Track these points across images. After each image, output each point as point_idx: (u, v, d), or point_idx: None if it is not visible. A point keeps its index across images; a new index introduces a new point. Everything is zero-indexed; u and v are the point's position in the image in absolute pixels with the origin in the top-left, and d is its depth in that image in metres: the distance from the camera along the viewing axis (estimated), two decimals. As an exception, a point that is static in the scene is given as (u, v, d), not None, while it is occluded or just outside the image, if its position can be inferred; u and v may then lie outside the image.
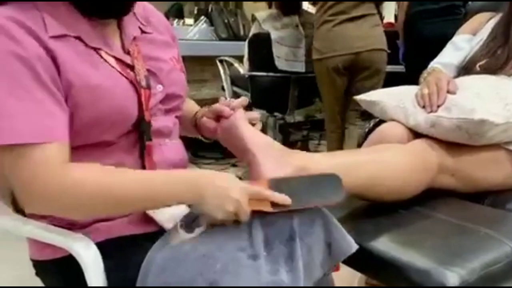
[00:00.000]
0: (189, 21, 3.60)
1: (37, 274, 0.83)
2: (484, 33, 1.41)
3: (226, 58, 2.82)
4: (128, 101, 0.75)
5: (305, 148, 3.32)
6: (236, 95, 2.73)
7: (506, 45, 1.33)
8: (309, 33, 2.51)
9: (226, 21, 3.42)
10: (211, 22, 3.45)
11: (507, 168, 1.12)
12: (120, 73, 0.75)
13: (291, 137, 3.30)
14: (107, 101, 0.72)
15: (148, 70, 0.80)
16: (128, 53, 0.79)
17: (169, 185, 0.70)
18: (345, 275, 1.33)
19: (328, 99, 2.39)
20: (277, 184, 0.74)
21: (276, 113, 2.88)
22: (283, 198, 0.72)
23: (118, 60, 0.76)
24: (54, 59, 0.68)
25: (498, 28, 1.37)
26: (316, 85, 2.58)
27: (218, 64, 2.89)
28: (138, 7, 0.86)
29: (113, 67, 0.75)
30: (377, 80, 2.29)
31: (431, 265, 0.76)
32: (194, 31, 3.47)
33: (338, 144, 2.44)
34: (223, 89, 2.94)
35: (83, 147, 0.73)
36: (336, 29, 2.23)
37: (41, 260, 0.80)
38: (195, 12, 3.71)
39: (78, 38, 0.72)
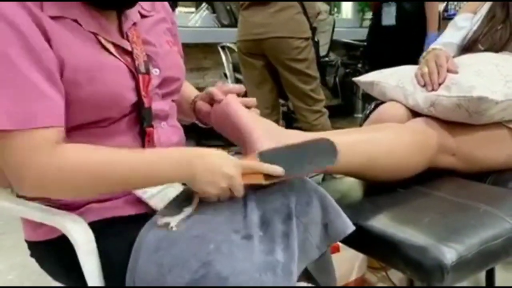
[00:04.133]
0: (190, 9, 3.58)
1: (31, 255, 0.83)
2: (484, 11, 1.39)
3: (228, 44, 2.80)
4: (124, 87, 0.74)
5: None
6: (239, 82, 2.72)
7: (506, 21, 1.30)
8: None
9: (228, 7, 3.39)
10: (213, 9, 3.43)
11: (509, 147, 1.10)
12: (118, 58, 0.74)
13: (294, 123, 3.29)
14: (102, 85, 0.71)
15: (146, 55, 0.79)
16: (126, 38, 0.78)
17: (161, 165, 0.69)
18: (346, 256, 1.33)
19: (250, 84, 2.29)
20: (267, 156, 0.73)
21: (280, 100, 2.87)
22: (274, 169, 0.71)
23: (116, 45, 0.75)
24: (48, 39, 0.67)
25: (497, 5, 1.34)
26: (321, 70, 2.56)
27: (220, 50, 2.87)
28: None
29: (110, 52, 0.74)
30: (297, 71, 2.15)
31: (429, 241, 0.75)
32: (195, 19, 3.45)
33: None
34: (226, 76, 2.92)
35: (80, 127, 0.72)
36: (242, 13, 2.18)
37: (35, 241, 0.80)
38: (197, -1, 3.69)
39: (75, 21, 0.71)
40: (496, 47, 1.29)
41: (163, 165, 0.69)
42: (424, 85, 1.12)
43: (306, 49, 2.14)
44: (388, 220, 0.86)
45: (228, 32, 3.25)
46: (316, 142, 0.77)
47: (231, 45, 2.76)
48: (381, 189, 0.97)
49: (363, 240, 0.86)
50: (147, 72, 0.77)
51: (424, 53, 1.34)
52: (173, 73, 0.84)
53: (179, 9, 3.46)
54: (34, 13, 0.66)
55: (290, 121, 3.19)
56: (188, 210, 0.72)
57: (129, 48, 0.77)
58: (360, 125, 1.45)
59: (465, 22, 1.43)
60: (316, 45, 2.31)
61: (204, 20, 3.41)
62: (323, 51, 2.98)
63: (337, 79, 3.57)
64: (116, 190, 0.73)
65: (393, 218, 0.86)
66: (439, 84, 1.08)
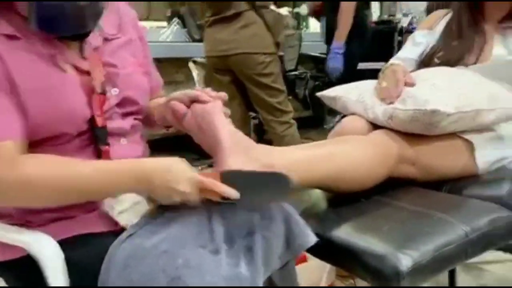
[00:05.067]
0: (162, 23, 3.60)
1: (1, 275, 0.83)
2: (440, 27, 1.47)
3: (199, 59, 2.82)
4: (78, 105, 0.77)
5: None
6: (209, 96, 2.75)
7: (460, 38, 1.38)
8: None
9: (198, 22, 3.43)
10: (183, 24, 3.46)
11: (464, 156, 1.17)
12: (74, 77, 0.76)
13: (265, 136, 3.33)
14: (55, 102, 0.73)
15: (105, 76, 0.81)
16: (85, 59, 0.80)
17: (120, 178, 0.71)
18: (315, 265, 1.37)
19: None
20: (229, 178, 0.75)
21: (250, 113, 2.91)
22: (230, 193, 0.72)
23: (74, 66, 0.77)
24: (2, 58, 0.69)
25: (452, 22, 1.42)
26: (290, 83, 2.61)
27: (191, 65, 2.90)
28: (112, 10, 0.86)
29: (65, 71, 0.76)
30: (264, 86, 2.19)
31: (387, 249, 0.79)
32: (167, 33, 3.47)
33: None
34: (197, 90, 2.94)
35: (37, 144, 0.74)
36: (207, 30, 2.23)
37: (3, 260, 0.80)
38: (168, 14, 3.71)
39: (31, 42, 0.73)
40: (452, 62, 1.36)
41: (122, 178, 0.71)
42: (383, 99, 1.18)
43: (271, 63, 2.18)
44: (350, 230, 0.90)
45: (199, 47, 3.27)
46: (275, 175, 0.78)
47: (202, 60, 2.79)
48: (345, 199, 1.02)
49: (327, 250, 0.89)
50: (103, 92, 0.79)
51: (383, 68, 1.41)
52: (133, 94, 0.86)
53: (150, 24, 3.48)
54: None
55: (261, 133, 3.23)
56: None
57: (88, 69, 0.79)
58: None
59: (423, 38, 1.50)
60: (281, 59, 2.35)
61: (176, 35, 3.44)
62: (291, 65, 3.04)
63: (306, 91, 3.64)
64: (75, 201, 0.75)
65: (355, 228, 0.90)
66: (396, 98, 1.14)
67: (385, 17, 4.07)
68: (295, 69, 3.12)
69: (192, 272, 0.67)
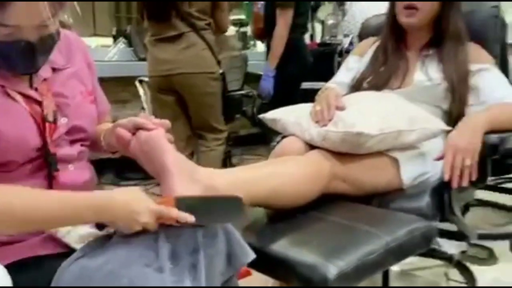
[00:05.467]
0: (108, 41, 3.61)
1: None
2: (369, 54, 1.61)
3: (145, 79, 2.86)
4: (28, 133, 0.80)
5: (228, 163, 3.43)
6: (157, 115, 2.79)
7: (386, 64, 1.53)
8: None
9: (145, 41, 3.46)
10: (129, 43, 3.48)
11: (390, 172, 1.29)
12: (24, 107, 0.80)
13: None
14: (5, 130, 0.77)
15: (56, 106, 0.85)
16: (36, 91, 0.83)
17: (82, 211, 0.75)
18: (259, 278, 1.44)
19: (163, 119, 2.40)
20: (183, 203, 0.81)
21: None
22: (187, 218, 0.79)
23: (25, 96, 0.81)
24: None
25: (379, 50, 1.57)
26: (237, 102, 2.70)
27: (138, 85, 2.92)
28: (60, 40, 0.88)
29: (17, 101, 0.79)
30: (203, 104, 2.28)
31: (317, 260, 0.88)
32: (113, 52, 3.48)
33: None
34: (144, 109, 2.97)
35: None
36: (151, 50, 2.30)
37: None
38: (114, 33, 3.72)
39: None
40: (379, 86, 1.50)
41: (85, 211, 0.75)
42: (317, 122, 1.28)
43: (213, 83, 2.27)
44: (286, 243, 0.98)
45: (145, 66, 3.32)
46: (228, 198, 0.86)
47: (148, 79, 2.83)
48: (283, 216, 1.10)
49: (266, 263, 0.97)
50: (54, 121, 0.83)
51: (319, 91, 1.52)
52: (82, 123, 0.91)
53: (97, 43, 3.48)
54: None
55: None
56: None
57: (39, 99, 0.83)
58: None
59: (354, 64, 1.64)
60: (223, 78, 2.43)
61: (122, 54, 3.45)
62: (237, 85, 3.14)
63: (254, 109, 3.75)
64: (34, 231, 0.78)
65: (290, 241, 0.99)
66: (329, 121, 1.25)
67: (327, 38, 4.28)
68: (242, 89, 3.22)
69: (137, 285, 0.72)
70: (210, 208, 0.84)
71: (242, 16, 4.88)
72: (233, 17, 4.53)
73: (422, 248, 1.08)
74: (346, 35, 4.79)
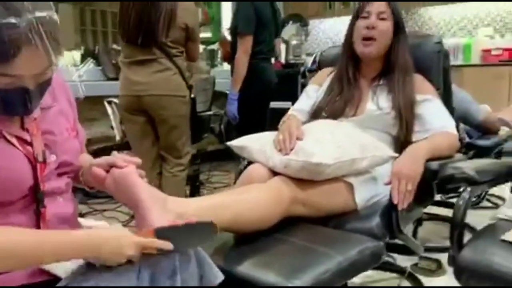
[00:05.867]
0: (73, 55, 3.64)
1: None
2: (327, 83, 1.76)
3: (115, 100, 2.92)
4: (23, 174, 0.88)
5: (197, 180, 3.51)
6: (125, 135, 2.85)
7: (341, 94, 1.68)
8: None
9: (114, 61, 3.52)
10: (98, 63, 3.53)
11: (345, 195, 1.42)
12: (19, 149, 0.88)
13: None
14: (3, 173, 0.84)
15: (44, 143, 0.93)
16: (26, 130, 0.92)
17: (73, 250, 0.84)
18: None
19: (132, 139, 2.50)
20: (162, 233, 0.90)
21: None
22: (167, 246, 0.88)
23: (18, 137, 0.89)
24: None
25: (335, 81, 1.71)
26: (205, 122, 2.79)
27: (106, 105, 2.98)
28: None
29: (12, 144, 0.87)
30: (171, 125, 2.36)
31: (277, 279, 1.00)
32: (82, 71, 3.51)
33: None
34: (112, 128, 3.02)
35: None
36: (124, 71, 2.39)
37: None
38: (82, 52, 3.76)
39: None
40: (335, 115, 1.64)
41: (76, 250, 0.84)
42: (280, 150, 1.41)
43: (182, 106, 2.37)
44: (251, 265, 1.09)
45: (114, 85, 3.37)
46: (200, 225, 0.96)
47: (117, 100, 2.89)
48: (248, 239, 1.21)
49: (233, 284, 1.07)
50: (44, 160, 0.92)
51: (282, 120, 1.65)
52: (68, 157, 0.99)
53: (65, 62, 3.49)
54: None
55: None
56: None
57: (30, 140, 0.91)
58: (238, 175, 1.69)
59: (314, 93, 1.78)
60: (193, 102, 2.53)
61: (90, 74, 3.49)
62: (205, 106, 3.25)
63: (221, 126, 3.87)
64: (27, 267, 0.86)
65: (255, 263, 1.10)
66: (290, 150, 1.38)
67: (291, 57, 4.46)
68: (209, 109, 3.33)
69: None
70: (185, 235, 0.94)
71: (209, 35, 5.00)
72: (200, 35, 4.64)
73: (371, 265, 1.21)
74: (309, 54, 5.00)
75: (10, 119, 0.90)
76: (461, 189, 1.33)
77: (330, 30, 5.28)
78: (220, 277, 0.97)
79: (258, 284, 1.02)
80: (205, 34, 4.91)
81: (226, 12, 4.97)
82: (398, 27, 1.65)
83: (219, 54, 4.63)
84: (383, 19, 1.63)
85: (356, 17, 1.69)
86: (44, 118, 0.96)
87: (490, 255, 1.11)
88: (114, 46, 3.89)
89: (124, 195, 0.99)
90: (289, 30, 4.69)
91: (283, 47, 4.46)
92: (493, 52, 3.99)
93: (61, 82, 1.07)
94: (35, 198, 0.91)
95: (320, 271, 1.04)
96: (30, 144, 0.91)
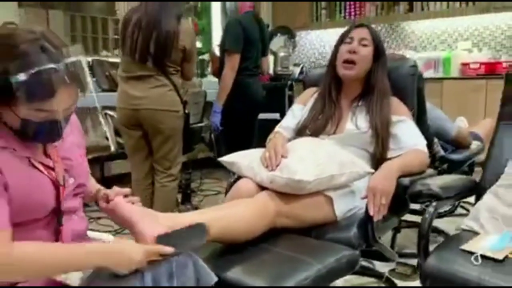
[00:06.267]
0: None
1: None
2: (311, 103, 1.91)
3: (110, 112, 3.03)
4: (49, 196, 1.02)
5: (188, 188, 3.63)
6: (120, 145, 2.97)
7: (323, 112, 1.82)
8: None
9: (107, 73, 3.64)
10: (93, 74, 3.64)
11: (326, 208, 1.57)
12: (45, 174, 1.01)
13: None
14: (33, 196, 0.98)
15: (64, 168, 1.07)
16: (48, 156, 1.05)
17: (93, 259, 0.99)
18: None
19: (128, 150, 2.62)
20: (163, 240, 1.07)
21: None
22: (168, 250, 1.05)
23: (42, 163, 1.02)
24: None
25: (318, 100, 1.86)
26: (197, 134, 2.91)
27: (101, 117, 3.09)
28: None
29: (39, 170, 1.00)
30: (165, 138, 2.47)
31: (264, 284, 1.14)
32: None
33: (147, 203, 2.53)
34: (107, 139, 3.14)
35: (14, 225, 0.96)
36: (122, 86, 2.51)
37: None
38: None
39: (14, 150, 0.97)
40: (317, 132, 1.79)
41: (96, 260, 0.99)
42: (266, 167, 1.55)
43: (176, 120, 2.49)
44: (240, 271, 1.23)
45: (108, 96, 3.48)
46: (194, 227, 1.14)
47: (112, 113, 3.01)
48: (237, 248, 1.35)
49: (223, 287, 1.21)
50: (64, 183, 1.05)
51: (268, 138, 1.80)
52: (82, 180, 1.13)
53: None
54: None
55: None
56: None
57: (52, 165, 1.04)
58: (228, 187, 1.82)
59: (299, 112, 1.93)
60: (187, 116, 2.65)
61: (84, 84, 3.59)
62: (198, 118, 3.39)
63: (212, 135, 4.00)
64: (56, 275, 0.99)
65: (243, 270, 1.24)
66: (276, 167, 1.52)
67: (279, 69, 4.61)
68: (201, 121, 3.47)
69: None
70: (183, 238, 1.10)
71: (199, 45, 5.13)
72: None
73: (347, 272, 1.36)
74: (296, 64, 5.17)
75: (35, 147, 1.03)
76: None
77: (316, 41, 5.45)
78: (214, 278, 1.11)
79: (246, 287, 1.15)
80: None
81: (216, 24, 5.11)
82: (378, 53, 1.80)
83: (209, 65, 4.77)
84: (364, 45, 1.78)
85: (340, 42, 1.84)
86: (62, 146, 1.09)
87: (451, 263, 1.26)
88: (108, 58, 3.99)
89: (120, 220, 1.19)
90: (278, 42, 4.86)
91: (271, 58, 4.62)
92: (471, 66, 4.18)
93: (75, 119, 1.20)
94: (56, 216, 1.04)
95: (301, 278, 1.18)
96: (52, 168, 1.04)
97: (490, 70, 4.04)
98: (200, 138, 3.52)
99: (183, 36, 2.39)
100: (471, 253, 1.27)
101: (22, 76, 0.89)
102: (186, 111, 2.59)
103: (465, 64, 4.22)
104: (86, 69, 0.99)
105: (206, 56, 5.07)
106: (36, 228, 1.01)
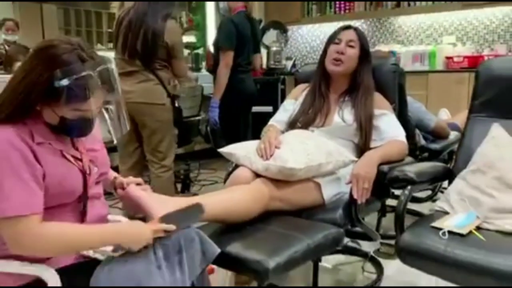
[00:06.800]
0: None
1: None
2: (302, 97, 2.09)
3: (110, 107, 3.18)
4: (78, 183, 1.19)
5: (187, 178, 3.82)
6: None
7: (313, 106, 2.01)
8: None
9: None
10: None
11: (314, 193, 1.76)
12: (74, 164, 1.19)
13: (175, 169, 3.77)
14: (65, 184, 1.15)
15: (90, 159, 1.24)
16: (76, 149, 1.22)
17: (111, 237, 1.16)
18: (219, 276, 1.87)
19: (119, 144, 2.72)
20: (165, 219, 1.24)
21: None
22: (171, 227, 1.22)
23: (72, 156, 1.19)
24: (37, 158, 1.10)
25: (308, 95, 2.05)
26: (195, 126, 3.07)
27: (104, 111, 3.24)
28: None
29: (69, 161, 1.18)
30: (152, 130, 2.59)
31: (261, 257, 1.32)
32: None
33: None
34: (109, 132, 3.29)
35: (45, 209, 1.14)
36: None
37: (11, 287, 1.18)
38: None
39: (50, 144, 1.15)
40: (307, 124, 1.98)
41: (114, 237, 1.17)
42: (261, 157, 1.73)
43: (163, 113, 2.63)
44: (239, 247, 1.41)
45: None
46: (191, 206, 1.33)
47: (112, 107, 3.15)
48: (236, 228, 1.53)
49: (226, 261, 1.39)
50: (90, 173, 1.23)
51: (264, 128, 1.98)
52: (104, 168, 1.31)
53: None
54: (27, 141, 1.09)
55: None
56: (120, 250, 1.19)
57: (80, 157, 1.22)
58: (227, 175, 2.00)
59: (290, 106, 2.11)
60: (179, 110, 2.78)
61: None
62: (195, 111, 3.56)
63: (208, 128, 4.18)
64: (83, 251, 1.17)
65: (242, 245, 1.42)
66: (270, 157, 1.71)
67: (272, 63, 4.78)
68: (198, 114, 3.64)
69: (147, 278, 1.13)
70: (182, 216, 1.28)
71: (193, 40, 5.29)
72: (185, 40, 4.93)
73: (333, 247, 1.55)
74: (288, 58, 5.34)
75: (65, 140, 1.20)
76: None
77: (308, 36, 5.63)
78: (217, 250, 1.29)
79: (246, 261, 1.34)
80: (190, 39, 5.20)
81: (211, 19, 5.27)
82: (364, 53, 1.99)
83: (204, 59, 4.93)
84: (351, 46, 1.97)
85: (329, 42, 2.02)
86: (87, 139, 1.26)
87: (422, 238, 1.46)
88: (102, 52, 4.12)
89: (135, 206, 1.36)
90: (270, 37, 5.02)
91: (264, 52, 4.78)
92: (455, 59, 4.38)
93: None
94: (82, 201, 1.22)
95: (292, 251, 1.37)
96: (80, 159, 1.22)
97: (473, 63, 4.23)
98: (197, 131, 3.69)
99: (168, 35, 2.53)
100: (440, 229, 1.47)
101: (64, 82, 1.06)
102: (176, 105, 2.73)
103: (449, 58, 4.41)
104: (115, 75, 1.16)
105: (200, 51, 5.23)
106: (64, 212, 1.19)
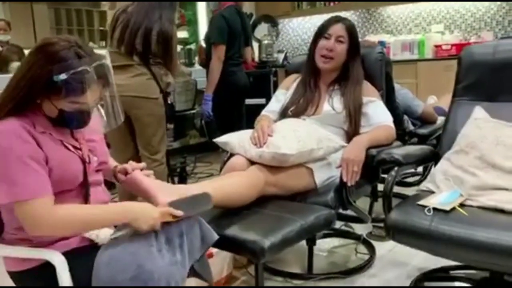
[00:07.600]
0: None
1: (14, 281, 1.27)
2: (293, 88, 2.17)
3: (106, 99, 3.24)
4: (79, 171, 1.26)
5: (183, 171, 3.89)
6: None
7: (304, 96, 2.09)
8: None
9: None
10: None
11: (307, 177, 1.84)
12: (74, 153, 1.26)
13: (171, 162, 3.85)
14: (66, 170, 1.22)
15: (88, 149, 1.31)
16: (76, 139, 1.29)
17: (118, 215, 1.24)
18: (218, 259, 1.95)
19: (111, 138, 2.70)
20: (174, 204, 1.30)
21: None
22: (179, 213, 1.28)
23: (72, 145, 1.27)
24: (39, 145, 1.17)
25: (299, 85, 2.13)
26: (189, 120, 3.13)
27: (100, 107, 3.30)
28: None
29: (70, 150, 1.25)
30: (144, 124, 2.60)
31: (256, 237, 1.40)
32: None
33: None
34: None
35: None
36: None
37: (18, 270, 1.25)
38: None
39: (50, 134, 1.22)
40: (299, 113, 2.06)
41: (120, 216, 1.24)
42: (255, 144, 1.81)
43: (155, 107, 2.65)
44: (237, 229, 1.50)
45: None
46: (200, 195, 1.38)
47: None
48: (234, 212, 1.62)
49: (225, 242, 1.47)
50: (89, 161, 1.30)
51: (256, 120, 2.06)
52: (104, 158, 1.38)
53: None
54: (30, 130, 1.17)
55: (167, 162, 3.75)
56: (122, 233, 1.26)
57: (79, 146, 1.29)
58: (223, 164, 2.07)
59: (282, 96, 2.19)
60: (171, 106, 2.82)
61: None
62: (190, 105, 3.63)
63: (202, 121, 4.25)
64: (89, 230, 1.25)
65: (240, 227, 1.51)
66: (263, 144, 1.78)
67: (264, 56, 4.85)
68: (193, 108, 3.71)
69: (148, 260, 1.20)
70: (191, 203, 1.34)
71: (186, 35, 5.34)
72: (178, 35, 4.98)
73: (325, 227, 1.64)
74: (280, 51, 5.41)
75: (65, 131, 1.27)
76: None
77: (298, 28, 5.69)
78: (216, 236, 1.37)
79: (243, 241, 1.42)
80: (182, 35, 5.25)
81: (202, 15, 5.32)
82: (354, 48, 2.06)
83: (197, 55, 4.98)
84: (341, 41, 2.04)
85: (318, 35, 2.09)
86: (86, 130, 1.33)
87: (408, 215, 1.55)
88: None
89: (139, 191, 1.42)
90: (261, 30, 5.08)
91: (256, 46, 4.85)
92: (443, 47, 4.46)
93: None
94: (84, 188, 1.29)
95: (287, 231, 1.46)
96: (79, 149, 1.29)
97: (461, 51, 4.32)
98: (192, 124, 3.76)
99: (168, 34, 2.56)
100: (425, 207, 1.56)
101: (62, 76, 1.13)
102: (169, 102, 2.78)
103: (438, 46, 4.50)
104: (111, 70, 1.23)
105: (193, 46, 5.28)
106: (69, 197, 1.26)
